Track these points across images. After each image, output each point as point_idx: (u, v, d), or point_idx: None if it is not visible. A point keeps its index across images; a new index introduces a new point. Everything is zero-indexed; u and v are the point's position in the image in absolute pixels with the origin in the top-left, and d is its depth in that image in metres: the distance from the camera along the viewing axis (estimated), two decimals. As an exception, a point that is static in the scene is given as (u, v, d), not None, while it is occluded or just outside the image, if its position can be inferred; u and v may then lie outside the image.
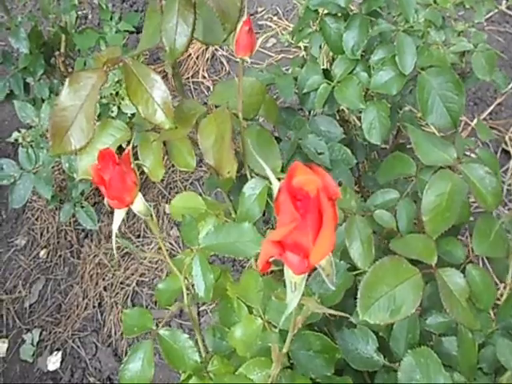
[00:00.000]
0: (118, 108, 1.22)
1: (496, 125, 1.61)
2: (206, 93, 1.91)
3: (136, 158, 0.86)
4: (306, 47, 1.15)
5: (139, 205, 0.49)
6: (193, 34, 0.62)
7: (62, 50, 1.57)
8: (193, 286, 0.62)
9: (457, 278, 0.65)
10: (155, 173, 0.79)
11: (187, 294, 0.61)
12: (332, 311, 0.47)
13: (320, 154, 0.99)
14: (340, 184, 1.03)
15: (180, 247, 1.55)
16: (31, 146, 1.26)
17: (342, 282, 0.66)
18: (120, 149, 0.82)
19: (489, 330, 0.68)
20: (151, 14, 0.68)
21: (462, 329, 0.63)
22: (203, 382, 0.58)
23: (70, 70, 1.61)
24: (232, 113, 0.71)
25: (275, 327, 0.58)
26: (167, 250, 1.55)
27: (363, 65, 0.99)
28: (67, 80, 0.61)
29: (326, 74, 1.05)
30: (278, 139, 0.99)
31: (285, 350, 0.50)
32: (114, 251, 0.52)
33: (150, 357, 0.61)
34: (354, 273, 0.71)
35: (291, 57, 1.90)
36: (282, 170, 0.90)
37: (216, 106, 0.75)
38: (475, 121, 1.62)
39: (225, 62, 1.93)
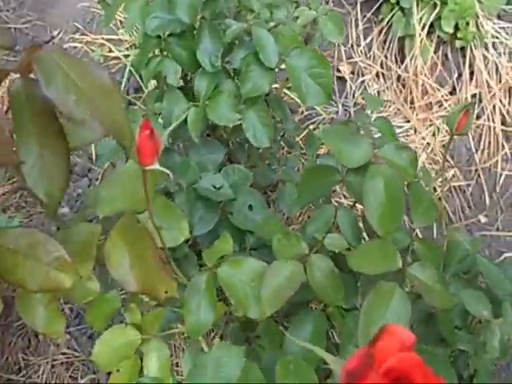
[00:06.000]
0: None
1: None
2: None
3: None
4: (157, 80, 0.98)
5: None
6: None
7: None
8: None
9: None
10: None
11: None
12: None
13: (219, 188, 0.86)
14: (250, 208, 0.91)
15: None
16: None
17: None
18: None
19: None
20: None
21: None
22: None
23: None
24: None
25: None
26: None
27: (227, 74, 0.87)
28: None
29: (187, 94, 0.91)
30: (170, 194, 0.84)
31: None
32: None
33: None
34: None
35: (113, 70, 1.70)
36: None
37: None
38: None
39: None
